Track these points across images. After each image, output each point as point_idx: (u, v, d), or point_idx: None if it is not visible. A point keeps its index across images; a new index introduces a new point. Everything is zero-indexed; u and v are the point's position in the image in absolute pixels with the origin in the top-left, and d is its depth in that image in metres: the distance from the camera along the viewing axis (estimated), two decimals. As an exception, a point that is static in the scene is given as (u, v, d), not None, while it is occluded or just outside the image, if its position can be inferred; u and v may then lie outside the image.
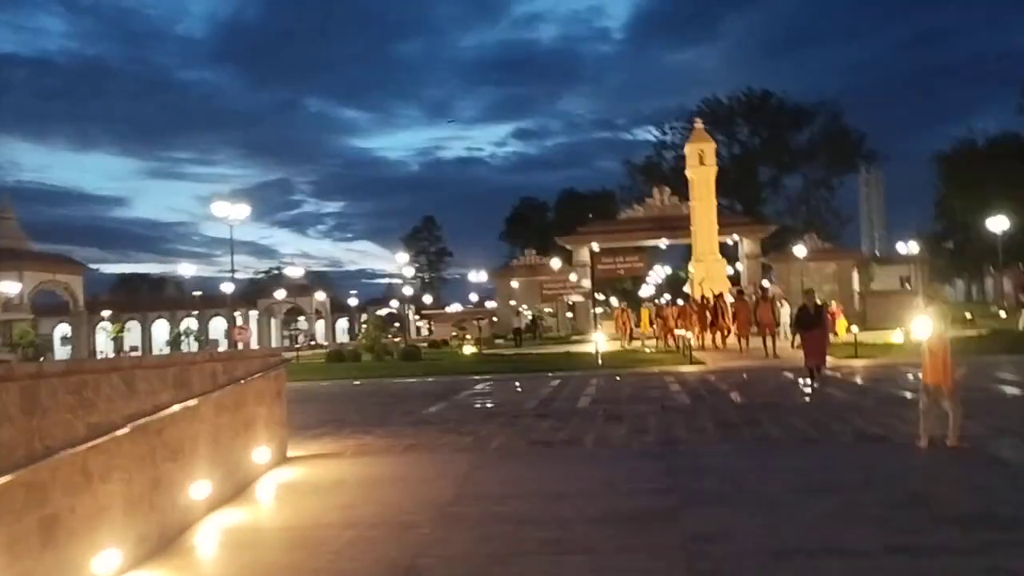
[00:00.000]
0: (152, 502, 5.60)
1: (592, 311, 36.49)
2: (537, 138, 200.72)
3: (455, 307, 74.29)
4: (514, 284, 56.45)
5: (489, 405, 14.96)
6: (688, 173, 43.10)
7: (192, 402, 6.24)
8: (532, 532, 5.82)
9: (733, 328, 25.92)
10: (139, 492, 5.43)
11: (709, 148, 42.58)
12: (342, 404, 15.85)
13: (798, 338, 16.47)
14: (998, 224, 42.68)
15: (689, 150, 43.18)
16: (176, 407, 5.95)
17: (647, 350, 28.42)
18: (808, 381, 15.17)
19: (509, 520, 6.17)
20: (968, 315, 36.80)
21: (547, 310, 55.03)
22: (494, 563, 5.23)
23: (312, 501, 7.15)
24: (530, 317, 49.01)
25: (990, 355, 18.34)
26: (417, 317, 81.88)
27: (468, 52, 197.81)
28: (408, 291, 68.29)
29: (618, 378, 18.75)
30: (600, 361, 22.33)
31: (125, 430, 5.18)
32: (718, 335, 27.08)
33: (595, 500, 6.65)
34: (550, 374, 20.37)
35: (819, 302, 16.86)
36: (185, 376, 6.40)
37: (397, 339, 49.02)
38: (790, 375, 16.82)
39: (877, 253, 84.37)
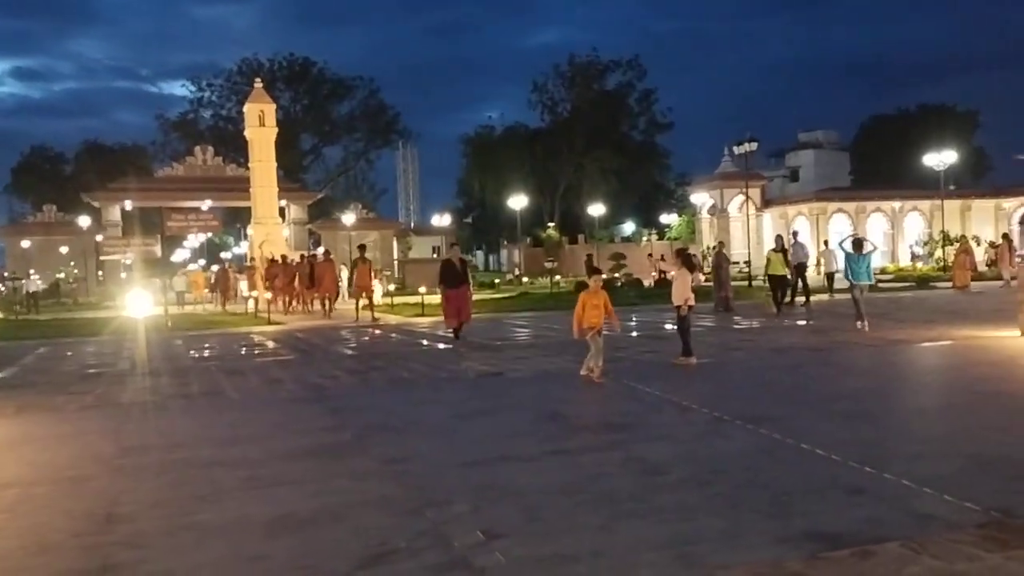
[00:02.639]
0: None
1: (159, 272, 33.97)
2: (43, 80, 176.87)
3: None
4: (26, 244, 50.01)
5: (88, 365, 13.52)
6: (247, 134, 42.20)
7: None
8: (226, 473, 5.80)
9: (313, 292, 25.32)
10: None
11: (269, 109, 42.11)
12: None
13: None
14: (518, 202, 49.19)
15: (249, 109, 42.21)
16: None
17: (204, 312, 27.53)
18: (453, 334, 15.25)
19: (195, 465, 6.04)
20: (497, 280, 42.10)
21: (72, 274, 49.67)
22: (202, 503, 5.17)
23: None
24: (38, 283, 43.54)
25: (519, 311, 21.79)
26: None
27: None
28: None
29: (203, 341, 18.03)
30: (170, 324, 21.19)
31: None
32: (286, 298, 26.63)
33: (274, 441, 6.77)
34: (98, 337, 18.84)
35: (465, 258, 17.03)
36: None
37: None
38: (388, 333, 17.97)
39: (412, 224, 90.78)
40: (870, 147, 72.54)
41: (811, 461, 5.69)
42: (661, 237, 62.01)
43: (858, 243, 14.58)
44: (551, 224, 65.27)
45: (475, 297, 20.73)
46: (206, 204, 50.70)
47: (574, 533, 4.40)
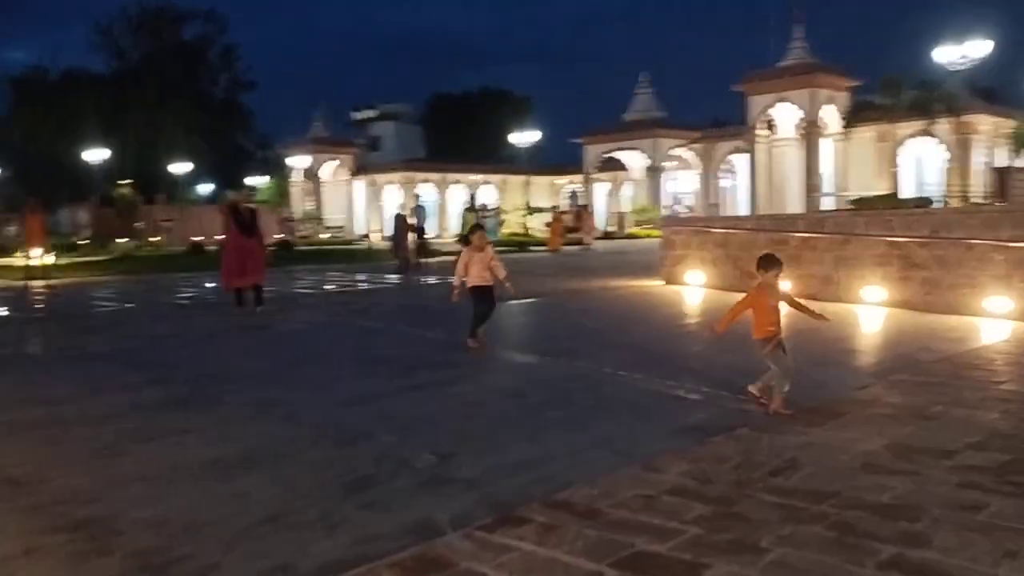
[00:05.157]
0: None
1: None
2: None
3: None
4: None
5: None
6: None
7: None
8: (99, 430, 5.25)
9: None
10: None
11: None
12: None
13: None
14: (96, 155, 44.29)
15: None
16: None
17: None
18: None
19: (55, 424, 5.31)
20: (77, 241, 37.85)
21: None
22: (111, 457, 4.72)
23: None
24: None
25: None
26: None
27: None
28: None
29: None
30: None
31: None
32: None
33: (104, 398, 6.08)
34: None
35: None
36: None
37: None
38: None
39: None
40: (440, 122, 78.07)
41: (620, 381, 6.83)
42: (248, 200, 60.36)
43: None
44: (125, 182, 59.63)
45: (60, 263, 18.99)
46: None
47: (515, 444, 4.97)
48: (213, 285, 17.01)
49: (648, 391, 6.47)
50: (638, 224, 45.38)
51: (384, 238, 21.31)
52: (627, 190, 52.28)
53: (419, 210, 24.80)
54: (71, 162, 50.07)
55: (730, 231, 13.11)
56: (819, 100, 37.73)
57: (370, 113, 78.17)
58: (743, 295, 5.97)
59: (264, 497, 4.06)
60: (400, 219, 22.45)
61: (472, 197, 22.81)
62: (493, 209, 24.10)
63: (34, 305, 14.99)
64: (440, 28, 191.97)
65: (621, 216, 47.76)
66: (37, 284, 17.85)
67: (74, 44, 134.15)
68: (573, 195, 56.25)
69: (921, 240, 10.46)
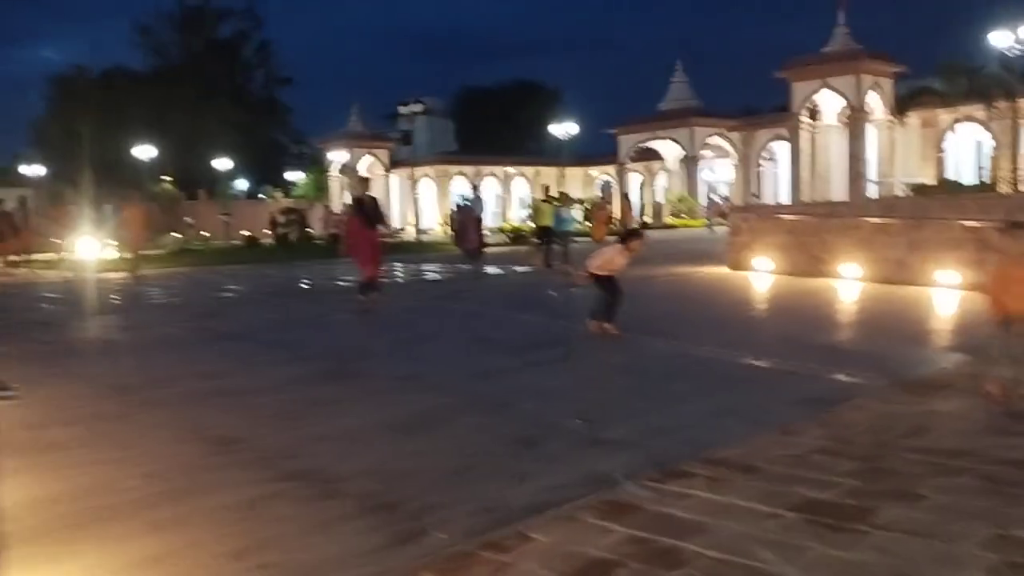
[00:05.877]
0: None
1: None
2: None
3: None
4: None
5: None
6: None
7: None
8: (269, 399, 5.65)
9: None
10: None
11: None
12: None
13: None
14: (145, 152, 45.33)
15: None
16: None
17: None
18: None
19: (229, 394, 5.76)
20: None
21: None
22: (297, 421, 5.12)
23: None
24: None
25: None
26: None
27: None
28: None
29: None
30: None
31: None
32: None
33: (263, 371, 6.55)
34: None
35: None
36: None
37: None
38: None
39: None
40: (470, 115, 78.52)
41: (725, 359, 7.17)
42: (287, 195, 61.14)
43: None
44: (166, 178, 60.73)
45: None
46: None
47: (650, 412, 5.35)
48: (294, 273, 17.64)
49: (756, 367, 6.81)
50: (673, 214, 45.54)
51: (450, 230, 20.85)
52: (661, 180, 52.38)
53: (477, 202, 25.13)
54: (115, 158, 51.09)
55: (801, 217, 13.38)
56: (864, 86, 37.63)
57: (416, 108, 78.39)
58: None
59: (446, 453, 4.48)
60: (466, 209, 22.76)
61: (547, 188, 22.25)
62: (573, 199, 24.09)
63: (146, 292, 15.61)
64: (466, 21, 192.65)
65: (658, 206, 47.90)
66: (137, 274, 18.35)
67: (105, 42, 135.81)
68: (607, 185, 56.42)
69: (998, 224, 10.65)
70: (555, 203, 19.33)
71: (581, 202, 39.08)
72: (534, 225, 20.25)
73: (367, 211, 11.53)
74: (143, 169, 50.33)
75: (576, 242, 19.46)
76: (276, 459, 4.36)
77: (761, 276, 13.84)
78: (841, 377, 6.30)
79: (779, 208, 17.10)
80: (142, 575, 3.08)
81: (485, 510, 3.70)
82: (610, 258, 8.48)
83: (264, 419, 5.20)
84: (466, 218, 22.21)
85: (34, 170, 55.20)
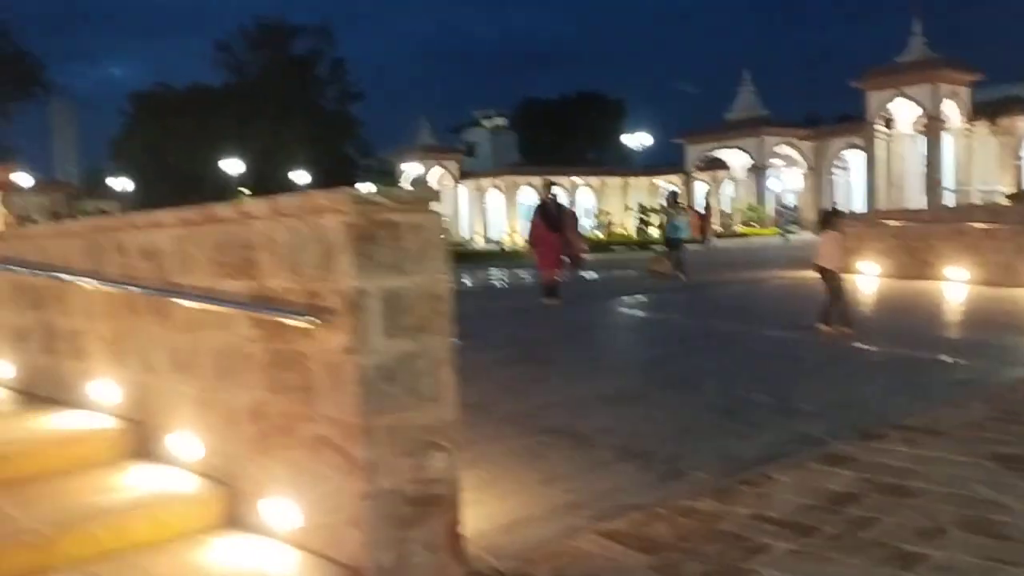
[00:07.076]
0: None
1: None
2: None
3: None
4: None
5: None
6: None
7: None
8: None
9: None
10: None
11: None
12: None
13: None
14: (233, 167, 47.31)
15: None
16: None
17: None
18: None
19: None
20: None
21: None
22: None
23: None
24: None
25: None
26: None
27: None
28: None
29: None
30: None
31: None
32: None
33: None
34: None
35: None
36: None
37: None
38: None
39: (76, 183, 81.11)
40: (532, 127, 79.48)
41: (868, 349, 7.77)
42: (359, 206, 62.63)
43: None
44: (244, 190, 62.85)
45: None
46: None
47: (823, 390, 6.02)
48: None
49: (901, 356, 7.40)
50: (744, 223, 45.70)
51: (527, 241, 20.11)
52: (727, 189, 52.54)
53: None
54: (200, 172, 53.22)
55: (907, 223, 13.82)
56: (941, 95, 37.50)
57: (499, 120, 79.18)
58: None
59: (662, 420, 5.21)
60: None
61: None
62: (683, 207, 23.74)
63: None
64: (525, 35, 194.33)
65: (728, 216, 48.10)
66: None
67: (173, 59, 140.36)
68: (673, 195, 56.68)
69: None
70: (677, 210, 19.17)
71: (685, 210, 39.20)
72: (660, 233, 20.02)
73: (550, 215, 11.62)
74: (226, 182, 52.33)
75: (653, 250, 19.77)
76: (525, 419, 5.13)
77: (868, 278, 14.26)
78: (982, 363, 6.87)
79: (885, 214, 17.24)
80: (479, 494, 3.83)
81: (723, 459, 4.41)
82: (831, 249, 8.53)
83: (495, 392, 5.93)
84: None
85: (121, 183, 57.71)
